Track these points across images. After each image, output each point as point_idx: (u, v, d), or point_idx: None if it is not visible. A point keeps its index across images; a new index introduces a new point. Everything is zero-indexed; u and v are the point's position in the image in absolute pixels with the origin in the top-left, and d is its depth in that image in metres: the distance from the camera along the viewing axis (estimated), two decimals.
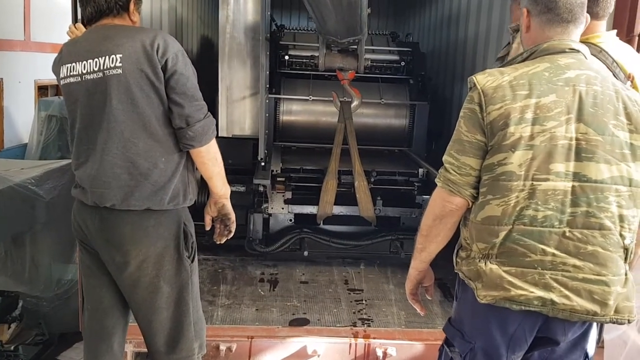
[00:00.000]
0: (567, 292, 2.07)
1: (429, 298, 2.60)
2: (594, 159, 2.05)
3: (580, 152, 2.05)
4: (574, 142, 2.05)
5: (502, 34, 5.20)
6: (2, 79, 8.30)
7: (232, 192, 5.24)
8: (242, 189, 5.47)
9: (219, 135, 5.66)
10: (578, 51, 2.18)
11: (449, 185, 2.19)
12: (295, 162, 5.65)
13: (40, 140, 7.85)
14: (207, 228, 3.06)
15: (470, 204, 2.20)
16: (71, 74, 2.70)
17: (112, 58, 2.59)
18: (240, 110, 5.75)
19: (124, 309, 2.98)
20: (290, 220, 5.45)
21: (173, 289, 2.82)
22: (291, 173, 5.42)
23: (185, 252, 2.83)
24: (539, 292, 2.07)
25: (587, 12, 2.35)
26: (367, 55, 6.13)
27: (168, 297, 2.82)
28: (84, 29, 2.86)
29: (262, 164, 5.34)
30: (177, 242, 2.80)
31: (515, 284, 2.08)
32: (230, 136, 5.80)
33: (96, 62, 2.63)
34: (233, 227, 3.05)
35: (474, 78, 2.16)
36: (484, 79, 2.14)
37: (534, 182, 2.05)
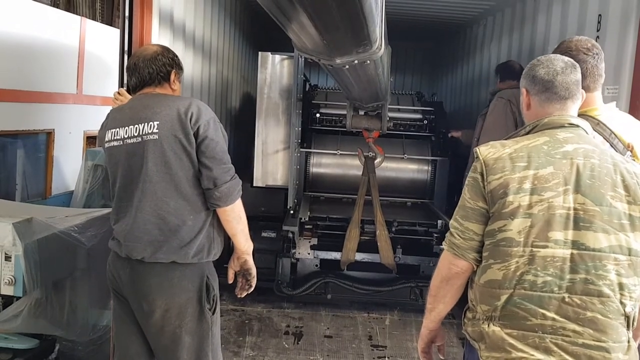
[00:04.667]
0: (567, 357, 2.07)
1: (442, 357, 2.59)
2: (591, 228, 2.07)
3: (579, 221, 2.07)
4: (572, 212, 2.08)
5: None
6: (53, 129, 8.63)
7: (263, 237, 5.69)
8: (272, 234, 5.84)
9: (254, 185, 6.09)
10: (577, 126, 2.23)
11: (453, 248, 2.24)
12: (322, 211, 6.03)
13: (86, 188, 8.00)
14: (230, 281, 3.16)
15: (475, 267, 2.23)
16: (115, 138, 2.91)
17: (150, 125, 2.81)
18: (273, 162, 6.17)
19: (150, 357, 3.07)
20: (317, 265, 5.80)
21: (194, 339, 2.91)
22: (318, 221, 5.80)
23: (206, 304, 2.93)
24: (539, 355, 2.08)
25: None
26: (393, 114, 6.56)
27: (189, 348, 2.91)
28: (127, 95, 3.18)
29: (292, 212, 5.75)
30: (199, 294, 2.91)
31: (516, 346, 2.10)
32: (264, 186, 6.19)
33: (136, 127, 2.84)
34: (254, 282, 3.14)
35: (478, 149, 2.24)
36: (487, 151, 2.21)
37: (533, 249, 2.08)
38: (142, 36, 4.01)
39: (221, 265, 3.09)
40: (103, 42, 9.45)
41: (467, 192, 2.23)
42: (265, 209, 6.20)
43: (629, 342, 2.13)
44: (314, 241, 5.74)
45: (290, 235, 5.57)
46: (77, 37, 8.98)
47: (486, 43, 7.20)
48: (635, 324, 2.16)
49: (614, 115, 2.71)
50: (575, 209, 2.08)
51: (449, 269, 2.27)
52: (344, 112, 5.76)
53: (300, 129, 6.20)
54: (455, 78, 8.83)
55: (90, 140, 9.70)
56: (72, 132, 9.15)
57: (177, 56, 3.10)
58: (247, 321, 5.40)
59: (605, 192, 2.09)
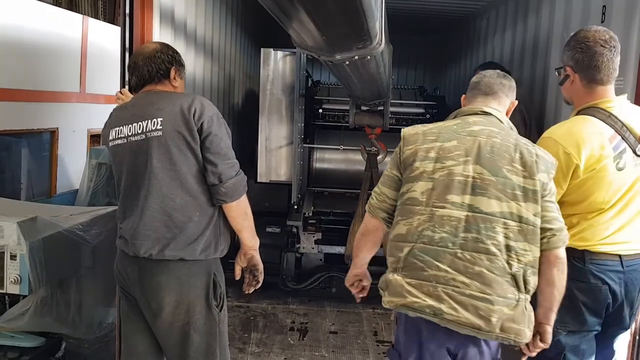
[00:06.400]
0: (455, 305, 2.32)
1: (362, 295, 2.93)
2: (486, 195, 2.36)
3: (475, 188, 2.38)
4: (470, 180, 2.38)
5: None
6: (57, 128, 8.62)
7: (268, 232, 5.71)
8: (277, 230, 5.86)
9: (258, 180, 6.11)
10: (490, 114, 2.56)
11: (369, 208, 2.64)
12: (326, 205, 6.06)
13: (90, 186, 8.03)
14: (237, 278, 3.14)
15: (385, 226, 2.60)
16: (119, 136, 2.91)
17: (154, 121, 2.81)
18: (277, 158, 6.19)
19: (158, 355, 3.07)
20: (321, 259, 5.83)
21: (202, 338, 2.91)
22: (322, 216, 5.85)
23: (214, 302, 2.93)
24: (431, 302, 2.34)
25: (591, 79, 2.66)
26: (395, 109, 6.53)
27: (198, 347, 2.91)
28: (129, 94, 3.17)
29: (295, 207, 5.77)
30: (207, 291, 2.91)
31: (412, 292, 2.38)
32: (268, 181, 6.22)
33: (140, 125, 2.83)
34: (261, 278, 3.14)
35: (403, 130, 2.60)
36: (408, 130, 2.59)
37: (433, 209, 2.40)
38: (143, 34, 3.99)
39: (227, 261, 3.08)
40: (106, 40, 9.46)
41: (389, 164, 2.63)
42: (269, 205, 6.20)
43: (518, 301, 2.36)
44: (318, 236, 5.77)
45: (295, 230, 5.65)
46: (80, 35, 9.01)
47: (490, 36, 7.17)
48: (528, 287, 2.38)
49: (626, 108, 2.72)
50: (473, 177, 2.39)
51: (366, 225, 2.69)
52: (346, 107, 5.79)
53: (303, 124, 6.20)
54: (458, 72, 8.80)
55: (94, 138, 9.71)
56: (76, 130, 9.17)
57: (177, 53, 3.08)
58: (252, 317, 5.41)
59: (502, 166, 2.39)
